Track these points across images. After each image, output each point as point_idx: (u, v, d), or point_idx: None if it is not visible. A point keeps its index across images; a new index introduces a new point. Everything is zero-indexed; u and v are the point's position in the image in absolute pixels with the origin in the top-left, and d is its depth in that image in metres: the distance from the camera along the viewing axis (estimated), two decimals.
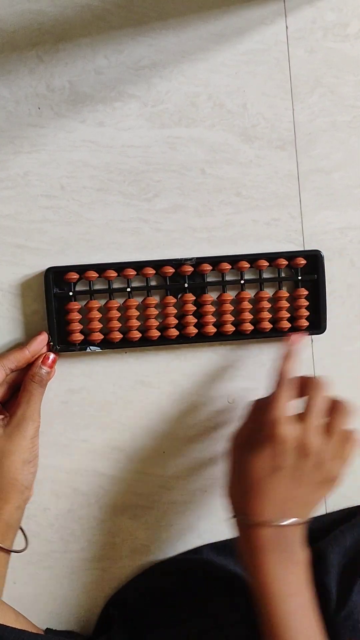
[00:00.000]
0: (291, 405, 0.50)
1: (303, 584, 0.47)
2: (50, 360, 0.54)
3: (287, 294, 0.57)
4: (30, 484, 0.50)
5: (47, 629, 0.59)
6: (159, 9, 0.54)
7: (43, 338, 0.55)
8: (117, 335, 0.55)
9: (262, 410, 0.51)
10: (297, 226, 0.57)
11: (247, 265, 0.56)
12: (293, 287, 0.58)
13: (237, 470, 0.50)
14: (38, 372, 0.53)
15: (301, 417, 0.50)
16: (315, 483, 0.49)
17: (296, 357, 0.52)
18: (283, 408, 0.49)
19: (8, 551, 0.48)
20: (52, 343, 0.55)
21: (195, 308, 0.56)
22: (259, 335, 0.57)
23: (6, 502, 0.48)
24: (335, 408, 0.51)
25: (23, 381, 0.53)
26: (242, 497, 0.49)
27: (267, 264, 0.56)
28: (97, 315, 0.55)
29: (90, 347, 0.56)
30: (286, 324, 0.57)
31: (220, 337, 0.57)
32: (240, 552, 0.49)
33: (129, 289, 0.56)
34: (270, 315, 0.57)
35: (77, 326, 0.55)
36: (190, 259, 0.56)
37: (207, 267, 0.56)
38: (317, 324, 0.57)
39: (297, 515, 0.48)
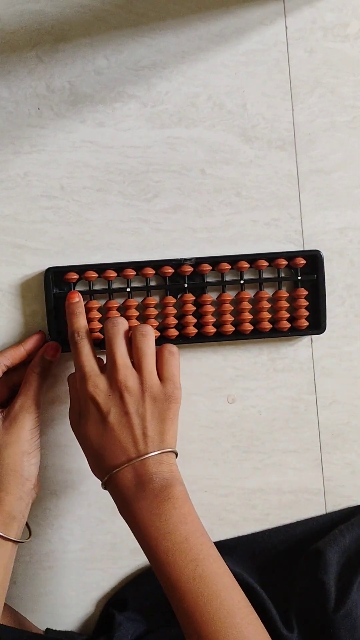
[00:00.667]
0: (93, 358, 0.50)
1: (180, 518, 0.45)
2: (53, 350, 0.54)
3: (287, 294, 0.57)
4: (31, 475, 0.50)
5: (47, 629, 0.59)
6: (159, 9, 0.54)
7: (40, 337, 0.55)
8: None
9: (75, 381, 0.51)
10: (297, 226, 0.57)
11: (246, 265, 0.56)
12: (293, 287, 0.58)
13: (83, 446, 0.49)
14: (39, 362, 0.53)
15: (106, 362, 0.49)
16: (153, 411, 0.48)
17: (81, 311, 0.52)
18: (84, 364, 0.49)
19: (12, 541, 0.48)
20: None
21: (195, 308, 0.56)
22: (258, 335, 0.57)
23: (7, 493, 0.48)
24: (133, 335, 0.50)
25: (25, 373, 0.53)
26: (97, 462, 0.48)
27: (266, 264, 0.56)
28: (96, 315, 0.55)
29: None
30: (286, 324, 0.57)
31: (220, 337, 0.57)
32: (120, 513, 0.47)
33: (128, 289, 0.56)
34: (270, 316, 0.57)
35: None
36: (190, 259, 0.56)
37: (207, 267, 0.56)
38: (317, 324, 0.57)
39: (153, 450, 0.47)
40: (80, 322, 0.52)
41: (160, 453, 0.47)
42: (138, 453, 0.47)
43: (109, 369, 0.49)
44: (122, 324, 0.51)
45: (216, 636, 0.41)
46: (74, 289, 0.55)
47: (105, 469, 0.47)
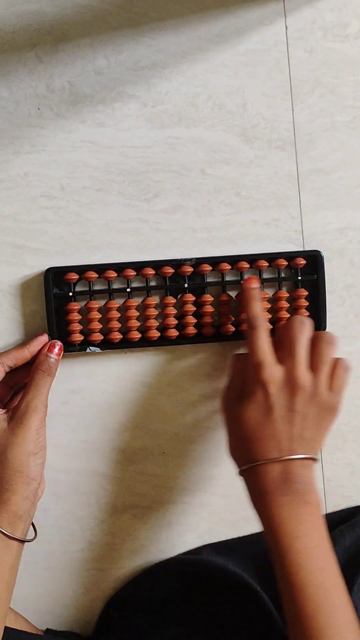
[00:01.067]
0: (271, 347, 0.50)
1: (314, 524, 0.46)
2: (57, 348, 0.54)
3: (287, 294, 0.57)
4: (36, 475, 0.50)
5: (47, 629, 0.59)
6: (159, 9, 0.54)
7: (43, 339, 0.54)
8: (117, 336, 0.55)
9: (243, 361, 0.51)
10: (297, 226, 0.57)
11: (247, 265, 0.56)
12: (293, 288, 0.58)
13: (233, 427, 0.50)
14: (45, 360, 0.53)
15: (284, 356, 0.50)
16: (315, 417, 0.49)
17: (260, 296, 0.52)
18: (263, 351, 0.49)
19: (19, 540, 0.48)
20: None
21: (195, 308, 0.56)
22: None
23: (13, 493, 0.48)
24: (317, 340, 0.51)
25: (30, 373, 0.53)
26: (244, 447, 0.49)
27: (266, 264, 0.56)
28: (97, 315, 0.55)
29: (90, 347, 0.56)
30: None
31: (220, 337, 0.57)
32: (252, 503, 0.48)
33: (128, 289, 0.56)
34: (270, 316, 0.57)
35: (77, 326, 0.55)
36: (190, 259, 0.56)
37: (207, 267, 0.56)
38: (317, 324, 0.57)
39: (304, 452, 0.48)
40: (260, 307, 0.52)
41: (309, 458, 0.48)
42: (290, 451, 0.47)
43: (288, 364, 0.49)
44: (309, 325, 0.51)
45: None
46: (74, 289, 0.55)
47: (252, 457, 0.48)
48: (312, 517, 0.46)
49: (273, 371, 0.49)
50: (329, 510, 0.60)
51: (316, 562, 0.44)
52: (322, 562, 0.45)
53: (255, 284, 0.53)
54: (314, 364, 0.50)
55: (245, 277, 0.57)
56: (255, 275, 0.55)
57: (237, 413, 0.50)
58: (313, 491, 0.47)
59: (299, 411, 0.48)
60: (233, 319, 0.57)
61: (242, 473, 0.49)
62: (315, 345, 0.51)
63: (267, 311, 0.57)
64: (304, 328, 0.51)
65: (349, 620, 0.44)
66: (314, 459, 0.49)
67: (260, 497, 0.47)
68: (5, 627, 0.50)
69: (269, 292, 0.57)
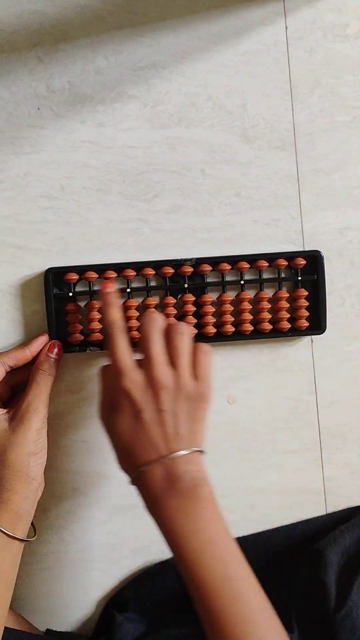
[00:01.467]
0: (129, 352, 0.49)
1: (208, 518, 0.45)
2: (57, 348, 0.54)
3: (287, 295, 0.57)
4: (37, 475, 0.50)
5: (47, 629, 0.59)
6: (159, 9, 0.54)
7: (44, 339, 0.54)
8: None
9: (108, 373, 0.50)
10: (297, 226, 0.57)
11: (247, 265, 0.56)
12: (293, 288, 0.58)
13: (113, 441, 0.49)
14: (46, 360, 0.53)
15: (142, 357, 0.49)
16: (186, 411, 0.48)
17: (116, 303, 0.51)
18: (121, 358, 0.48)
19: (19, 540, 0.48)
20: None
21: (195, 308, 0.56)
22: (259, 335, 0.57)
23: (14, 493, 0.48)
24: (169, 332, 0.50)
25: (31, 373, 0.53)
26: (126, 458, 0.48)
27: (267, 264, 0.56)
28: (97, 315, 0.55)
29: (90, 347, 0.56)
30: (286, 325, 0.57)
31: (220, 337, 0.57)
32: (146, 509, 0.47)
33: (128, 290, 0.56)
34: (270, 316, 0.57)
35: (77, 327, 0.55)
36: (190, 260, 0.56)
37: (207, 267, 0.56)
38: (317, 324, 0.57)
39: (184, 448, 0.47)
40: (117, 313, 0.51)
41: (191, 452, 0.47)
42: (169, 451, 0.46)
43: (145, 365, 0.48)
44: (159, 321, 0.50)
45: (241, 638, 0.41)
46: (74, 289, 0.55)
47: (135, 465, 0.47)
48: (205, 511, 0.45)
49: (133, 376, 0.47)
50: (330, 510, 0.61)
51: (215, 556, 0.44)
52: (221, 555, 0.44)
53: (110, 289, 0.51)
54: (172, 358, 0.49)
55: (246, 277, 0.57)
56: (111, 281, 0.53)
57: (112, 426, 0.48)
58: (203, 485, 0.46)
59: (167, 410, 0.47)
60: (233, 319, 0.57)
61: (132, 483, 0.48)
62: (168, 338, 0.49)
63: (267, 311, 0.57)
64: (153, 323, 0.50)
65: (261, 606, 0.43)
66: (199, 452, 0.48)
67: (151, 504, 0.46)
68: (6, 628, 0.50)
69: (269, 293, 0.57)
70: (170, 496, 0.45)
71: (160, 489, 0.45)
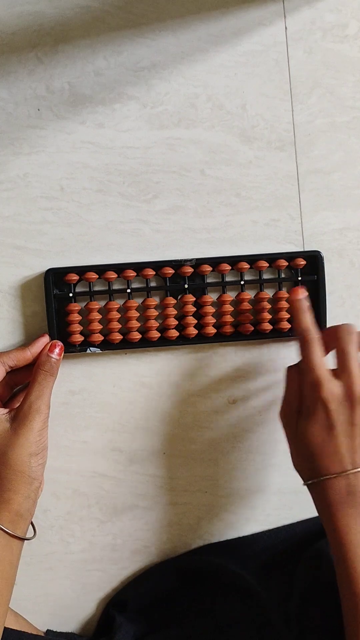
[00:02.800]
0: (324, 362, 0.50)
1: None
2: (57, 348, 0.54)
3: (287, 295, 0.57)
4: (38, 475, 0.50)
5: (47, 630, 0.59)
6: (158, 10, 0.54)
7: (44, 339, 0.54)
8: (117, 337, 0.56)
9: (298, 375, 0.52)
10: (297, 227, 0.57)
11: (247, 266, 0.56)
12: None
13: (296, 443, 0.51)
14: (47, 360, 0.53)
15: (340, 370, 0.50)
16: None
17: (307, 309, 0.53)
18: (318, 367, 0.50)
19: (20, 539, 0.48)
20: None
21: (195, 309, 0.56)
22: (259, 336, 0.57)
23: (15, 493, 0.48)
24: None
25: (32, 373, 0.53)
26: (308, 463, 0.50)
27: (266, 264, 0.56)
28: (97, 316, 0.55)
29: (91, 348, 0.56)
30: (286, 325, 0.57)
31: (220, 338, 0.57)
32: (319, 514, 0.50)
33: (129, 290, 0.56)
34: (270, 316, 0.57)
35: (77, 327, 0.55)
36: (190, 260, 0.56)
37: (207, 268, 0.56)
38: (317, 325, 0.57)
39: None
40: (310, 319, 0.52)
41: None
42: (354, 465, 0.48)
43: (344, 378, 0.49)
44: (356, 334, 0.51)
45: None
46: (74, 290, 0.55)
47: (317, 472, 0.49)
48: None
49: (331, 387, 0.49)
50: None
51: None
52: None
53: (302, 295, 0.53)
54: None
55: (246, 277, 0.57)
56: (302, 287, 0.55)
57: (299, 430, 0.50)
58: None
59: (359, 424, 0.49)
60: (233, 319, 0.57)
61: (308, 486, 0.50)
62: None
63: (267, 312, 0.57)
64: (353, 337, 0.51)
65: None
66: None
67: (326, 510, 0.48)
68: (6, 628, 0.50)
69: (269, 293, 0.57)
70: (349, 506, 0.47)
71: (337, 498, 0.48)
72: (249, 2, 0.55)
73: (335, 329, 0.52)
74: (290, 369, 0.54)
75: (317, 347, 0.51)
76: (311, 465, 0.49)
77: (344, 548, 0.47)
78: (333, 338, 0.52)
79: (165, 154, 0.56)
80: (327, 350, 0.52)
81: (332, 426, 0.49)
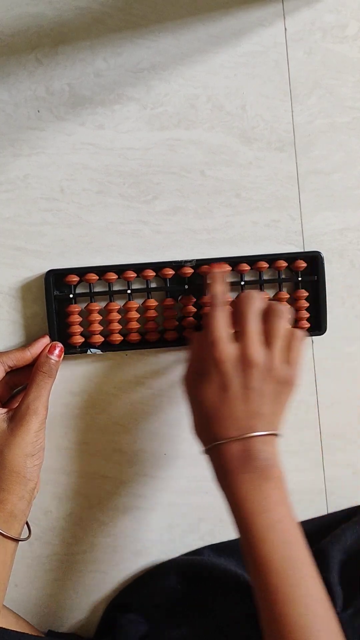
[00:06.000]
0: (227, 326, 0.49)
1: (278, 499, 0.46)
2: (57, 350, 0.54)
3: (288, 295, 0.57)
4: (33, 476, 0.50)
5: (48, 631, 0.59)
6: (158, 11, 0.54)
7: (45, 340, 0.54)
8: (118, 338, 0.56)
9: (201, 341, 0.50)
10: (297, 227, 0.57)
11: (247, 267, 0.56)
12: (293, 289, 0.58)
13: (193, 407, 0.50)
14: (46, 361, 0.53)
15: (238, 333, 0.49)
16: (272, 392, 0.48)
17: (224, 281, 0.52)
18: (218, 329, 0.49)
19: (13, 539, 0.48)
20: None
21: (195, 310, 0.56)
22: None
23: (9, 493, 0.48)
24: (268, 314, 0.50)
25: (31, 374, 0.53)
26: (205, 427, 0.48)
27: (267, 265, 0.56)
28: (97, 317, 0.55)
29: (91, 349, 0.56)
30: None
31: None
32: (216, 481, 0.48)
33: (129, 291, 0.56)
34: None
35: (78, 328, 0.55)
36: (190, 261, 0.56)
37: (207, 268, 0.56)
38: (317, 325, 0.57)
39: (263, 429, 0.47)
40: (220, 288, 0.51)
41: (269, 434, 0.47)
42: (250, 429, 0.47)
43: (241, 341, 0.48)
44: (259, 300, 0.50)
45: (298, 620, 0.42)
46: (74, 291, 0.55)
47: (213, 437, 0.48)
48: (275, 492, 0.46)
49: (227, 349, 0.48)
50: (331, 511, 0.61)
51: (280, 535, 0.44)
52: (286, 535, 0.45)
53: (222, 269, 0.53)
54: (267, 339, 0.49)
55: (246, 278, 0.57)
56: (225, 263, 0.54)
57: (196, 393, 0.49)
58: (276, 466, 0.47)
59: (255, 388, 0.47)
60: None
61: (206, 452, 0.49)
62: (267, 319, 0.50)
63: None
64: (254, 302, 0.50)
65: (315, 591, 0.43)
66: (275, 434, 0.48)
67: (223, 476, 0.47)
68: (6, 630, 0.50)
69: (270, 293, 0.57)
70: (245, 471, 0.46)
71: (235, 463, 0.46)
72: (249, 3, 0.55)
73: (239, 295, 0.51)
74: (195, 334, 0.52)
75: (219, 312, 0.50)
76: (208, 430, 0.48)
77: (241, 516, 0.45)
78: (237, 304, 0.51)
79: (165, 155, 0.56)
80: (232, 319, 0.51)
81: (226, 388, 0.47)
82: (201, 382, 0.48)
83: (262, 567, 0.43)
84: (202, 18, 0.55)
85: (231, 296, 0.57)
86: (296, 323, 0.57)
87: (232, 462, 0.46)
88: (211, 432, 0.48)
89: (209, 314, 0.50)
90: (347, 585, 0.53)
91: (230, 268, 0.55)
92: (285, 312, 0.50)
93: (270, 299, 0.57)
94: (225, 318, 0.50)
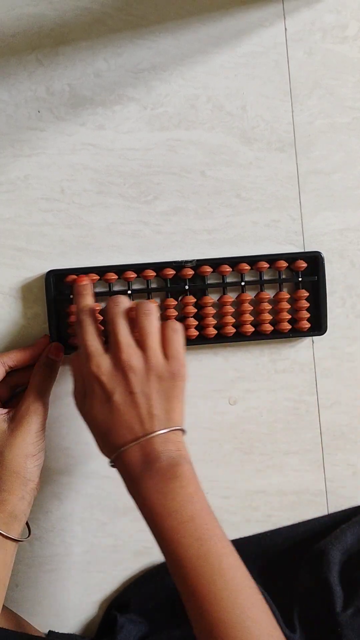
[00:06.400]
0: (99, 337, 0.49)
1: (186, 497, 0.45)
2: (58, 350, 0.54)
3: (288, 296, 0.57)
4: (33, 476, 0.50)
5: (49, 631, 0.59)
6: (158, 12, 0.54)
7: (45, 341, 0.55)
8: None
9: (79, 359, 0.50)
10: (297, 227, 0.57)
11: (247, 267, 0.56)
12: (293, 289, 0.58)
13: (90, 426, 0.49)
14: (47, 362, 0.53)
15: (109, 343, 0.48)
16: (158, 390, 0.47)
17: (88, 292, 0.51)
18: (88, 344, 0.48)
19: (13, 540, 0.48)
20: None
21: (196, 310, 0.56)
22: (259, 337, 0.57)
23: (9, 493, 0.48)
24: (136, 314, 0.49)
25: (32, 374, 0.53)
26: (104, 442, 0.48)
27: (267, 265, 0.56)
28: (97, 317, 0.55)
29: None
30: (287, 326, 0.57)
31: (221, 339, 0.57)
32: (128, 491, 0.47)
33: (129, 292, 0.56)
34: (271, 317, 0.57)
35: None
36: (191, 261, 0.56)
37: (208, 269, 0.56)
38: (318, 325, 0.57)
39: (159, 428, 0.46)
40: (87, 301, 0.51)
41: (167, 432, 0.47)
42: (144, 432, 0.46)
43: (112, 349, 0.48)
44: (123, 303, 0.50)
45: (219, 615, 0.41)
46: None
47: (113, 448, 0.47)
48: (182, 490, 0.45)
49: (100, 361, 0.47)
50: (331, 511, 0.61)
51: (193, 534, 0.43)
52: (199, 532, 0.44)
53: (84, 281, 0.52)
54: (140, 339, 0.48)
55: (246, 278, 0.57)
56: (86, 277, 0.53)
57: (86, 412, 0.48)
58: (180, 463, 0.46)
59: (137, 391, 0.47)
60: (234, 320, 0.57)
61: (113, 466, 0.48)
62: (135, 320, 0.49)
63: (268, 312, 0.57)
64: (117, 306, 0.49)
65: (241, 581, 0.43)
66: (178, 430, 0.47)
67: (130, 485, 0.46)
68: (7, 630, 0.50)
69: (270, 294, 0.57)
70: (148, 477, 0.45)
71: (139, 469, 0.46)
72: (249, 4, 0.55)
73: (107, 303, 0.50)
74: (73, 355, 0.51)
75: (88, 326, 0.49)
76: (106, 444, 0.47)
77: (152, 521, 0.45)
78: (105, 314, 0.50)
79: (165, 155, 0.56)
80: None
81: (110, 399, 0.47)
82: (88, 400, 0.48)
83: (179, 569, 0.43)
84: (202, 18, 0.55)
85: (231, 296, 0.57)
86: (296, 323, 0.57)
87: (135, 468, 0.46)
88: (110, 444, 0.47)
89: (77, 330, 0.49)
90: (347, 585, 0.53)
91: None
92: (152, 307, 0.49)
93: (270, 299, 0.57)
94: (94, 330, 0.49)
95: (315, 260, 0.57)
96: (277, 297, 0.57)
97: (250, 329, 0.57)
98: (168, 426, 0.47)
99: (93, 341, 0.48)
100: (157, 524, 0.44)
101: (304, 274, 0.57)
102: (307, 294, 0.57)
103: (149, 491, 0.45)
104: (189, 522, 0.44)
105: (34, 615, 0.59)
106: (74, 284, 0.52)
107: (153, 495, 0.45)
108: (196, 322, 0.56)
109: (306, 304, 0.57)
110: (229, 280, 0.57)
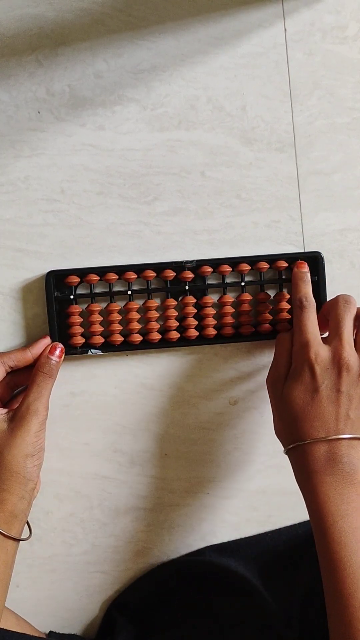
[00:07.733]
0: (317, 328, 0.51)
1: (359, 506, 0.46)
2: (58, 351, 0.54)
3: (288, 296, 0.57)
4: (33, 476, 0.50)
5: (50, 632, 0.59)
6: (158, 12, 0.54)
7: (46, 341, 0.55)
8: (118, 338, 0.56)
9: (289, 340, 0.52)
10: (297, 228, 0.57)
11: (247, 267, 0.56)
12: None
13: (279, 407, 0.51)
14: (47, 362, 0.53)
15: (331, 336, 0.50)
16: None
17: (309, 279, 0.54)
18: (310, 331, 0.50)
19: (14, 539, 0.48)
20: None
21: (196, 310, 0.56)
22: (260, 337, 0.57)
23: (9, 493, 0.48)
24: None
25: (32, 374, 0.53)
26: (290, 427, 0.49)
27: (267, 266, 0.56)
28: (98, 318, 0.55)
29: (92, 350, 0.56)
30: (287, 326, 0.57)
31: (221, 339, 0.57)
32: (297, 481, 0.49)
33: (129, 292, 0.56)
34: (271, 317, 0.57)
35: (78, 329, 0.55)
36: (191, 262, 0.56)
37: (208, 269, 0.56)
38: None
39: (351, 432, 0.48)
40: (308, 288, 0.53)
41: (355, 438, 0.48)
42: (337, 432, 0.47)
43: (334, 344, 0.49)
44: (354, 305, 0.51)
45: None
46: (75, 292, 0.55)
47: (298, 436, 0.48)
48: (358, 497, 0.46)
49: (319, 350, 0.49)
50: None
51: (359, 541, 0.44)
52: None
53: (306, 268, 0.54)
54: (359, 344, 0.50)
55: (246, 279, 0.57)
56: (301, 262, 0.55)
57: (283, 393, 0.50)
58: (358, 471, 0.47)
59: (344, 391, 0.48)
60: (234, 320, 0.57)
61: (288, 452, 0.50)
62: (359, 325, 0.51)
63: (269, 313, 0.57)
64: (349, 307, 0.51)
65: None
66: None
67: (306, 476, 0.47)
68: (7, 631, 0.50)
69: (270, 294, 0.57)
70: (328, 474, 0.46)
71: (319, 465, 0.47)
72: (249, 4, 0.55)
73: (333, 298, 0.52)
74: (281, 335, 0.54)
75: (310, 313, 0.51)
76: (293, 430, 0.49)
77: (321, 517, 0.45)
78: (329, 308, 0.52)
79: (165, 156, 0.56)
80: (323, 325, 0.53)
81: (317, 389, 0.48)
82: (291, 383, 0.49)
83: (338, 572, 0.43)
84: (202, 19, 0.55)
85: (231, 296, 0.57)
86: None
87: (315, 463, 0.47)
88: (297, 432, 0.48)
89: (299, 315, 0.51)
90: None
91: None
92: None
93: (270, 300, 0.57)
94: (315, 318, 0.51)
95: (315, 261, 0.57)
96: (277, 297, 0.57)
97: (250, 329, 0.57)
98: (357, 433, 0.48)
99: (314, 328, 0.51)
100: (327, 523, 0.45)
101: None
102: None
103: (326, 487, 0.46)
104: (358, 530, 0.44)
105: (34, 616, 0.59)
106: (294, 270, 0.54)
107: (329, 492, 0.46)
108: (196, 323, 0.56)
109: None
110: (229, 280, 0.57)
